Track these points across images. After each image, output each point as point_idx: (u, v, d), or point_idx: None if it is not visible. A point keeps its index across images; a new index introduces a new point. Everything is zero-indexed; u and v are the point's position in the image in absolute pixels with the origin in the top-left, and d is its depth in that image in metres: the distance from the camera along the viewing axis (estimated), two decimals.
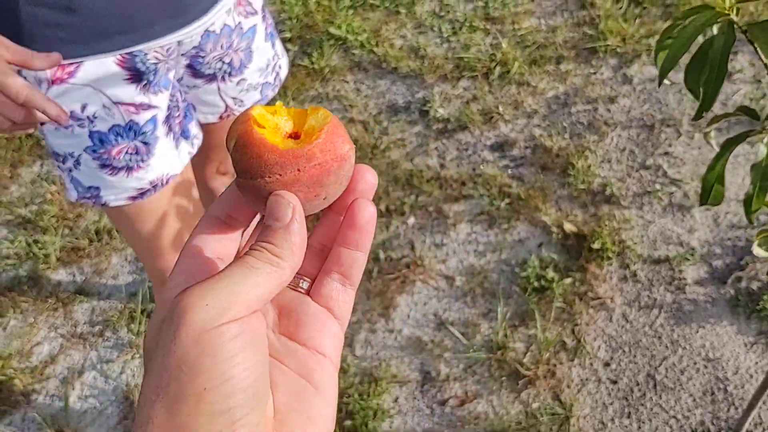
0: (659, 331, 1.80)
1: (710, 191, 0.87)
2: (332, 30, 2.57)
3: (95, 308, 1.98)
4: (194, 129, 1.27)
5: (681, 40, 0.72)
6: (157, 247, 1.27)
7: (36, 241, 2.13)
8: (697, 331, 1.80)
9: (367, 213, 0.42)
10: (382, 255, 2.00)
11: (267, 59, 1.32)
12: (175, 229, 1.26)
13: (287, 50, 2.56)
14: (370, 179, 0.43)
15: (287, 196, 0.39)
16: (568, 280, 1.87)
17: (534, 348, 1.79)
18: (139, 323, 1.92)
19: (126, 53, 1.06)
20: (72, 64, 1.03)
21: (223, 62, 1.22)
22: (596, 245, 1.91)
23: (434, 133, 2.28)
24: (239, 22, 1.20)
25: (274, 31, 1.34)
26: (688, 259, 1.90)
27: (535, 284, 1.87)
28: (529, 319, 1.83)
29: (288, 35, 2.59)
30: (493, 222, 2.04)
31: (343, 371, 1.81)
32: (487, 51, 2.47)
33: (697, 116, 0.75)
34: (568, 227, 1.97)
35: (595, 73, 2.34)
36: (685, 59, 0.79)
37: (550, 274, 1.87)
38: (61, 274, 2.06)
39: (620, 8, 2.49)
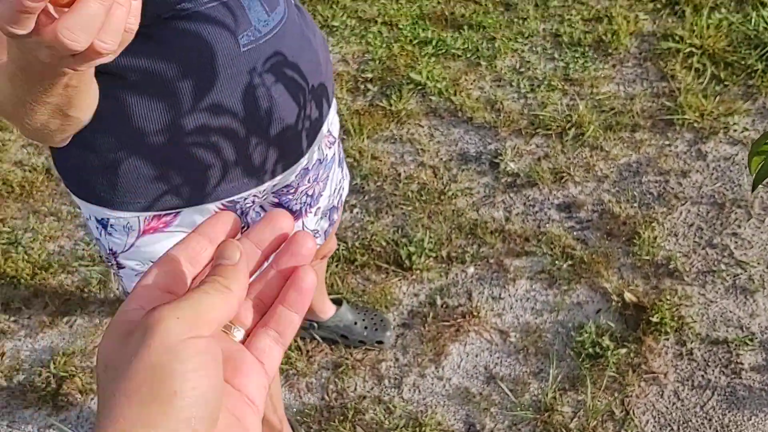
0: (710, 414, 1.79)
1: None
2: (413, 75, 2.63)
3: None
4: None
5: None
6: None
7: None
8: (750, 419, 1.77)
9: (310, 279, 0.46)
10: (438, 301, 2.03)
11: (336, 183, 1.29)
12: None
13: (367, 90, 2.63)
14: (311, 245, 0.47)
15: (236, 242, 0.45)
16: (623, 350, 1.87)
17: (582, 414, 1.79)
18: None
19: (229, 201, 1.02)
20: (169, 214, 0.99)
21: (307, 195, 1.20)
22: (655, 318, 1.91)
23: (503, 186, 2.31)
24: (326, 154, 1.18)
25: (342, 153, 1.32)
26: (747, 344, 1.88)
27: (590, 350, 1.87)
28: (579, 385, 1.83)
29: (370, 76, 2.66)
30: (554, 282, 2.05)
31: (389, 412, 1.83)
32: (564, 111, 2.50)
33: None
34: (629, 297, 1.97)
35: (669, 145, 2.35)
36: None
37: (606, 341, 1.87)
38: None
39: (701, 83, 2.50)
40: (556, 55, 2.71)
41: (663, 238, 2.11)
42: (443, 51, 2.76)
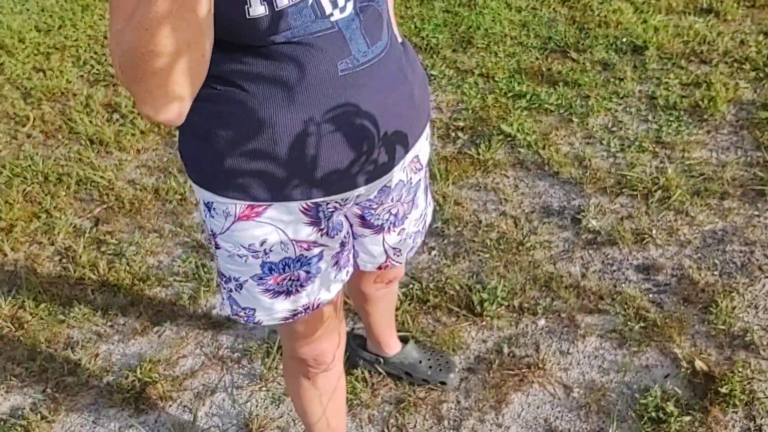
0: None
1: None
2: (504, 126, 2.70)
3: (239, 336, 2.18)
4: (351, 259, 1.34)
5: None
6: (297, 337, 1.39)
7: (204, 265, 2.38)
8: None
9: None
10: (506, 349, 2.06)
11: (422, 209, 1.39)
12: (315, 328, 1.36)
13: (458, 138, 2.72)
14: None
15: None
16: (687, 418, 1.84)
17: None
18: (273, 359, 2.09)
19: (312, 202, 1.14)
20: (261, 205, 1.13)
21: (390, 213, 1.29)
22: (724, 389, 1.87)
23: (582, 242, 2.33)
24: (410, 178, 1.28)
25: (428, 182, 1.42)
26: None
27: (653, 414, 1.86)
28: None
29: (461, 124, 2.75)
30: (624, 342, 2.05)
31: None
32: (652, 173, 2.50)
33: None
34: (699, 365, 1.94)
35: (758, 216, 2.31)
36: None
37: (671, 407, 1.85)
38: (217, 300, 2.28)
39: None
40: (649, 117, 2.71)
41: (742, 309, 2.07)
42: (536, 105, 2.82)
